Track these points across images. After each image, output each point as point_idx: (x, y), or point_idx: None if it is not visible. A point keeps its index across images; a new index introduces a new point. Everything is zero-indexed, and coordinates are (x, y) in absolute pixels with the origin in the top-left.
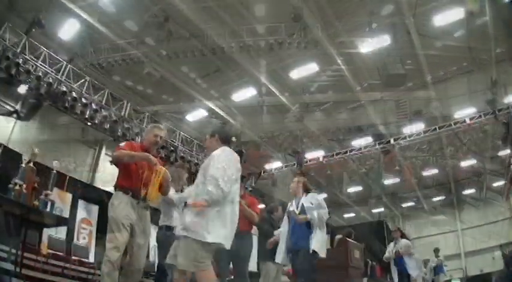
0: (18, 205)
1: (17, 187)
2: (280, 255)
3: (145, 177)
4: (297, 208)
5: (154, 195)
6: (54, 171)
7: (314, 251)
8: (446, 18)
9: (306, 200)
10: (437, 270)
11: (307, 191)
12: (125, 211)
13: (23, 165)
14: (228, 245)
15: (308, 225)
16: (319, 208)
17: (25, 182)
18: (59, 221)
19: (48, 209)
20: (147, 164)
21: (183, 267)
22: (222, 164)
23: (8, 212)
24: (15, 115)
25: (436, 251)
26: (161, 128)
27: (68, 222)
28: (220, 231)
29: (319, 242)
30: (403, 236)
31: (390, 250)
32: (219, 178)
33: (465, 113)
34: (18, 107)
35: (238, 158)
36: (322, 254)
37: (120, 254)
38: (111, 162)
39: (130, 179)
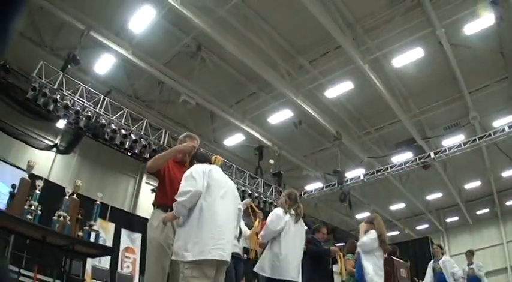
0: (62, 236)
1: (61, 219)
2: None
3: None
4: None
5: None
6: (98, 202)
7: None
8: (476, 25)
9: None
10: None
11: None
12: (165, 231)
13: (67, 197)
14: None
15: None
16: None
17: (69, 214)
18: (104, 251)
19: (92, 240)
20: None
21: None
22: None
23: (53, 244)
24: (55, 149)
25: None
26: (194, 137)
27: (113, 251)
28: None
29: None
30: (443, 253)
31: (438, 267)
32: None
33: (504, 121)
34: (57, 141)
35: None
36: None
37: (165, 277)
38: (153, 190)
39: (167, 194)
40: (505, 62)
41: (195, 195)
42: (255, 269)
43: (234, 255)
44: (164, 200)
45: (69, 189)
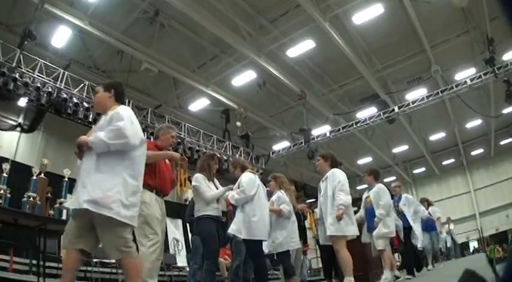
0: (34, 217)
1: (31, 199)
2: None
3: (164, 174)
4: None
5: (181, 190)
6: (66, 179)
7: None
8: None
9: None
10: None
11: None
12: (156, 207)
13: (34, 177)
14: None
15: None
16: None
17: (38, 194)
18: None
19: (64, 217)
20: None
21: None
22: None
23: (26, 226)
24: (18, 128)
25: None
26: (172, 128)
27: None
28: None
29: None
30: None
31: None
32: None
33: (465, 74)
34: (20, 120)
35: None
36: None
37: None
38: None
39: (155, 177)
40: (465, 16)
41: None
42: (230, 231)
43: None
44: (153, 181)
45: (36, 168)
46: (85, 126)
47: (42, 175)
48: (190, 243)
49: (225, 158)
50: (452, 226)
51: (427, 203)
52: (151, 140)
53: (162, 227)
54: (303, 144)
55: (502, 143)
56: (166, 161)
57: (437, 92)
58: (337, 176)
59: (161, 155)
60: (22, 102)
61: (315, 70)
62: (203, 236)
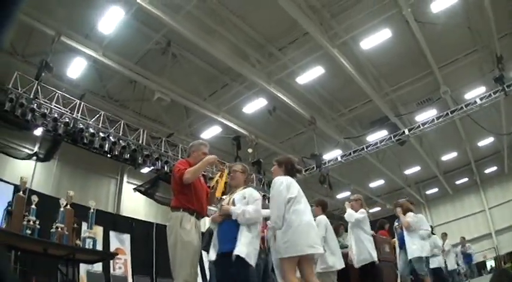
0: (62, 247)
1: (59, 230)
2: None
3: (202, 195)
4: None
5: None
6: (92, 210)
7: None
8: (442, 2)
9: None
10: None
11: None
12: (196, 234)
13: (62, 208)
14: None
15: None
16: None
17: (65, 224)
18: (104, 256)
19: (90, 246)
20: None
21: None
22: None
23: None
24: (34, 157)
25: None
26: (207, 144)
27: (114, 255)
28: None
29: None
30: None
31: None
32: None
33: (475, 93)
34: (36, 148)
35: None
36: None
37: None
38: (136, 189)
39: (194, 200)
40: (473, 36)
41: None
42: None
43: None
44: (190, 204)
45: (63, 200)
46: (100, 156)
47: (68, 206)
48: (208, 271)
49: None
50: (468, 246)
51: None
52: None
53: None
54: (315, 169)
55: None
56: (201, 179)
57: (447, 113)
58: (272, 185)
59: (201, 166)
60: (38, 131)
61: (325, 95)
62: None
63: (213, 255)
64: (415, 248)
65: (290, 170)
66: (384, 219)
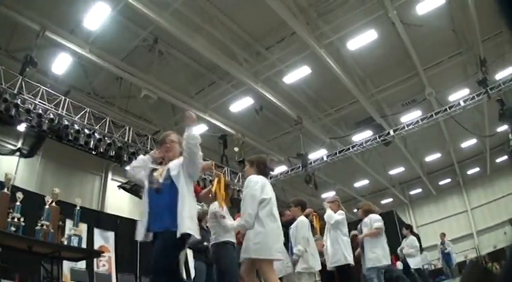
0: (47, 244)
1: (44, 227)
2: None
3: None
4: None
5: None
6: (78, 208)
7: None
8: (427, 5)
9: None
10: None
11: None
12: None
13: (47, 206)
14: None
15: None
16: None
17: (50, 222)
18: (89, 254)
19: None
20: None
21: None
22: None
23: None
24: (18, 153)
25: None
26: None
27: (100, 253)
28: None
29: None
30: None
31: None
32: None
33: (459, 95)
34: (19, 144)
35: None
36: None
37: None
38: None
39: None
40: (458, 38)
41: None
42: None
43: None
44: None
45: (48, 198)
46: (85, 152)
47: (53, 204)
48: (193, 270)
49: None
50: (447, 243)
51: None
52: None
53: None
54: (301, 168)
55: (498, 160)
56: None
57: (432, 115)
58: (246, 184)
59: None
60: (22, 127)
61: (311, 95)
62: (225, 263)
63: None
64: (373, 256)
65: (262, 170)
66: None
